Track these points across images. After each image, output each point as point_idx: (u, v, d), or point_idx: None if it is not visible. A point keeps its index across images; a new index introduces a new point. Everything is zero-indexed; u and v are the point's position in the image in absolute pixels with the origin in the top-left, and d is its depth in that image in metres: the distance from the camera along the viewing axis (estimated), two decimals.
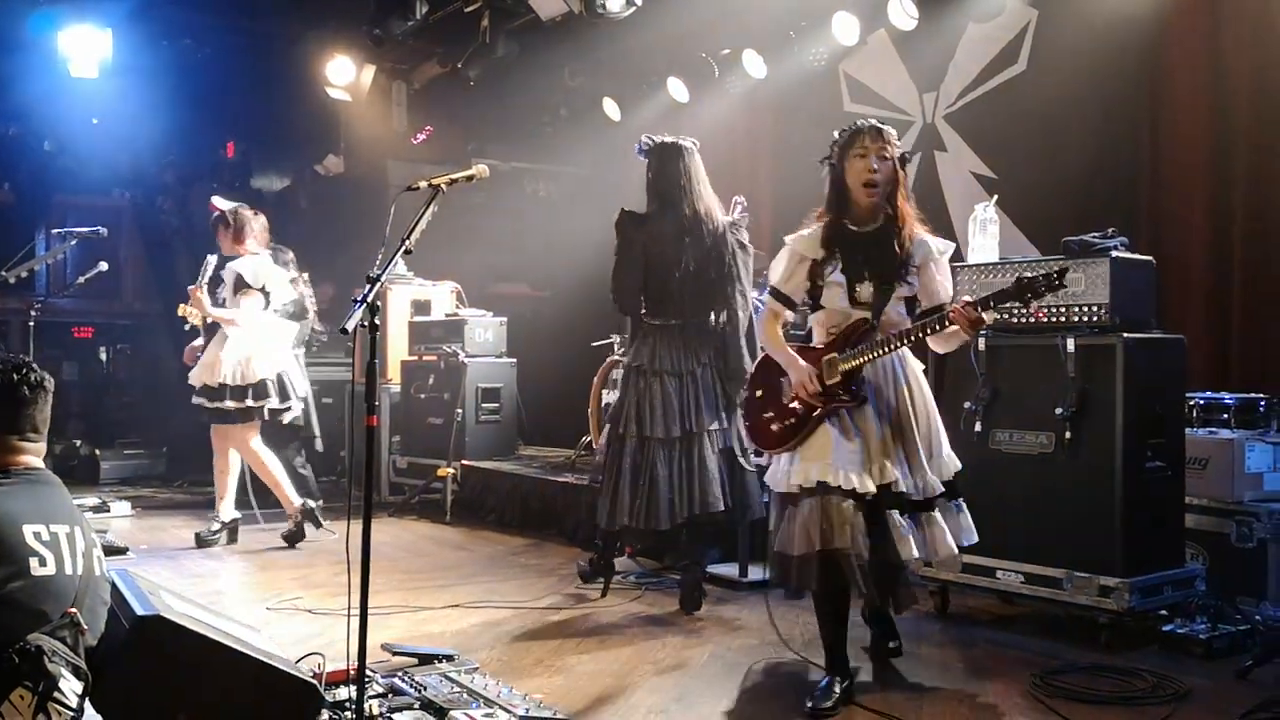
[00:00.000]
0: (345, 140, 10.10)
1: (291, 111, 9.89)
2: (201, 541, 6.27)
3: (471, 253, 9.41)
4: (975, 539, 3.69)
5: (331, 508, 7.51)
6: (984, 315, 3.31)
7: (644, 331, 4.86)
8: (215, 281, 6.40)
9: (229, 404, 6.18)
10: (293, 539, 6.36)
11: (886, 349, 3.49)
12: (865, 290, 3.54)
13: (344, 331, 2.67)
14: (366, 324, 2.79)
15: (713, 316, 4.79)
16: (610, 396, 6.99)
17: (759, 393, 3.80)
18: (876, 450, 3.54)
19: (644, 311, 4.87)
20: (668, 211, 4.76)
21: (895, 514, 3.52)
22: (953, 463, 3.70)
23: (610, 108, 9.06)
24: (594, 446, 7.11)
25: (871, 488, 3.48)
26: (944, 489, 3.63)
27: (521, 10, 7.49)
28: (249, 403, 6.20)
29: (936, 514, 3.60)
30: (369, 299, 2.76)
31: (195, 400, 6.28)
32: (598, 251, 9.62)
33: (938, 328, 3.41)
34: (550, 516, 6.81)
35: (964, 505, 3.70)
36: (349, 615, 3.05)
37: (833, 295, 3.59)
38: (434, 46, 8.87)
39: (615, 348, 7.02)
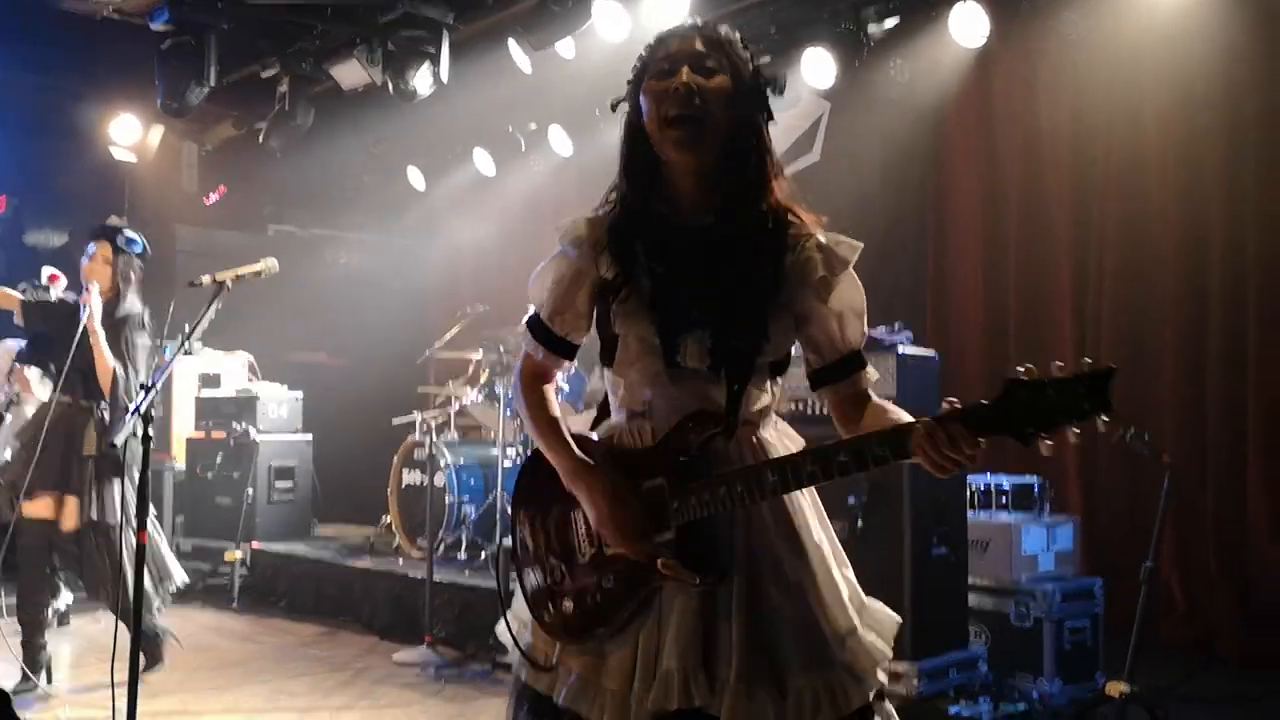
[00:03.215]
0: (130, 202, 9.57)
1: (70, 169, 9.32)
2: None
3: (267, 319, 9.03)
4: None
5: None
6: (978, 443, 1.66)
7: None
8: None
9: None
10: None
11: (756, 493, 1.81)
12: (695, 349, 1.87)
13: (112, 446, 2.47)
14: (139, 435, 2.61)
15: None
16: (411, 476, 6.82)
17: (527, 524, 2.03)
18: (681, 640, 1.83)
19: None
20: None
21: None
22: (875, 651, 1.91)
23: (415, 176, 8.94)
24: (393, 529, 6.90)
25: None
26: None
27: (322, 78, 7.32)
28: None
29: None
30: (141, 409, 2.57)
31: None
32: (400, 322, 9.50)
33: (885, 454, 1.72)
34: (346, 603, 6.53)
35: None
36: None
37: (635, 347, 1.91)
38: (228, 109, 8.55)
39: (417, 426, 6.85)
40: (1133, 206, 5.65)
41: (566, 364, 2.05)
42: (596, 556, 1.91)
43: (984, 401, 1.65)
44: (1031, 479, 5.08)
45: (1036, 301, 5.92)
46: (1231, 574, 5.25)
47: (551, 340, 2.00)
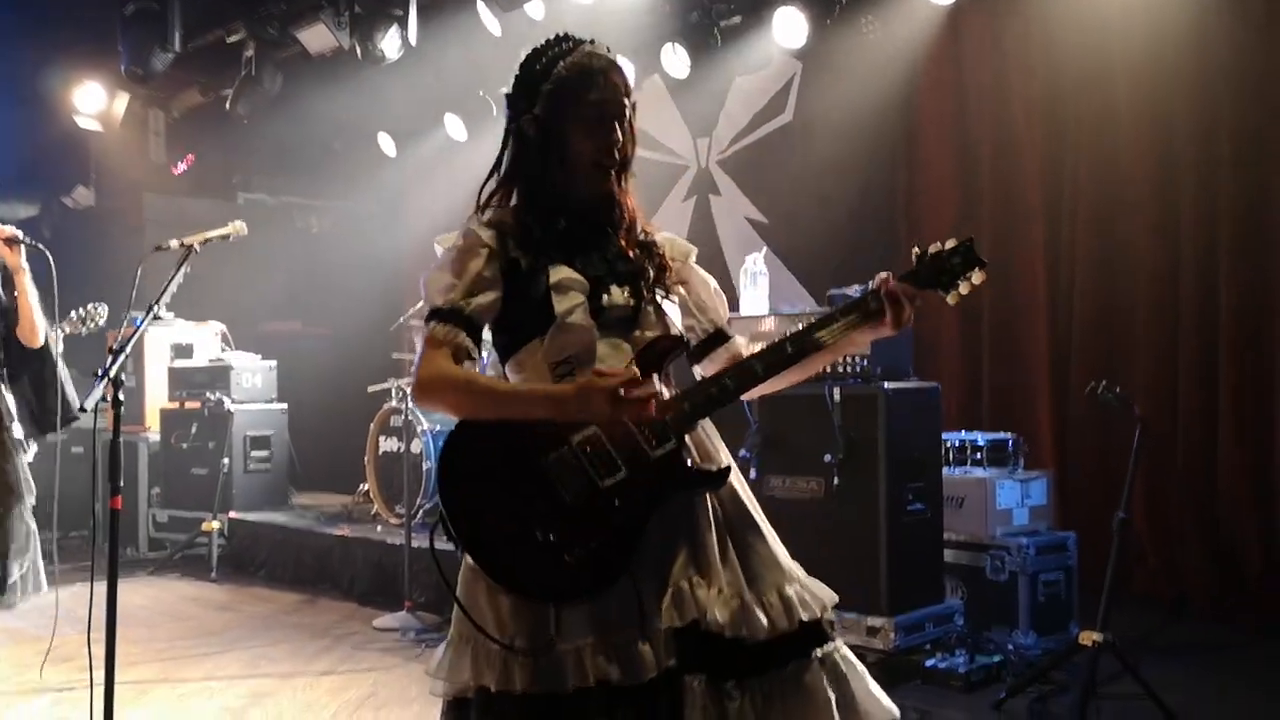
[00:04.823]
0: (96, 171, 9.45)
1: (34, 139, 9.18)
2: None
3: (240, 288, 8.98)
4: None
5: (80, 567, 6.98)
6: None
7: None
8: None
9: None
10: None
11: (747, 383, 2.03)
12: (621, 295, 2.06)
13: (83, 410, 2.45)
14: (109, 400, 2.58)
15: None
16: (388, 443, 6.81)
17: (487, 501, 1.93)
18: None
19: None
20: None
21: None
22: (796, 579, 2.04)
23: (385, 142, 8.84)
24: (371, 496, 6.89)
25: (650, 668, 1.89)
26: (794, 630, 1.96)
27: (288, 42, 7.22)
28: None
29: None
30: (110, 373, 2.55)
31: None
32: (373, 289, 9.44)
33: (849, 321, 2.04)
34: (325, 570, 6.54)
35: (847, 659, 2.01)
36: (91, 699, 2.83)
37: (566, 303, 2.00)
38: (194, 75, 8.43)
39: (393, 394, 6.83)
40: (1104, 160, 5.66)
41: (474, 351, 2.05)
42: (593, 496, 1.90)
43: (909, 271, 2.06)
44: (1005, 435, 5.12)
45: (1009, 259, 5.93)
46: (1203, 526, 5.32)
47: (460, 319, 2.01)
